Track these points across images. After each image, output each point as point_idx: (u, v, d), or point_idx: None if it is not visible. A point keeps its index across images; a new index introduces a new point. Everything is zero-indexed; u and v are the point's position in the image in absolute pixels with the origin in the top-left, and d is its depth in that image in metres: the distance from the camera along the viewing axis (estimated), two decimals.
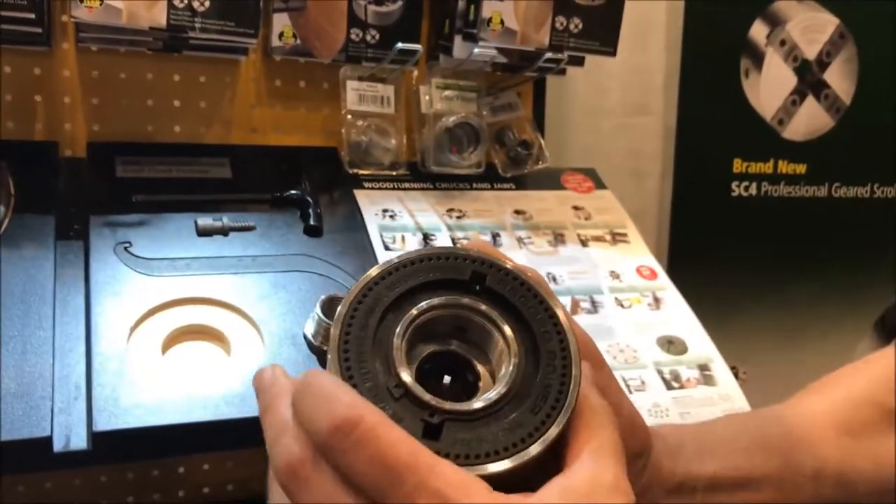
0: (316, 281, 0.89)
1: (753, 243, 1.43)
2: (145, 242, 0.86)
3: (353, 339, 0.36)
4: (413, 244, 0.99)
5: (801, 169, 1.45)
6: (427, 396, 0.35)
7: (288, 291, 0.86)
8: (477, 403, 0.35)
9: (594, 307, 0.99)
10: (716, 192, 1.40)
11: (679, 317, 1.02)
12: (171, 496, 1.05)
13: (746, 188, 1.41)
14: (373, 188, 1.04)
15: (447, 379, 0.39)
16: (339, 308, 0.37)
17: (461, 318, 0.39)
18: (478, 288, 0.39)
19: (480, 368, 0.39)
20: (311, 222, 0.94)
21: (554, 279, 1.00)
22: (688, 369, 0.95)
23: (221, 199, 0.94)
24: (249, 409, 0.74)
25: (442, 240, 1.01)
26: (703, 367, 0.96)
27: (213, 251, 0.88)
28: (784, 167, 1.44)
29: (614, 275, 1.03)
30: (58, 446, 0.68)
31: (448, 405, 0.35)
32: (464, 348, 0.39)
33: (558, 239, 1.07)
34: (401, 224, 1.00)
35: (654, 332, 0.98)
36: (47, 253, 0.82)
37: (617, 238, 1.10)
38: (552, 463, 0.35)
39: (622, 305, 1.01)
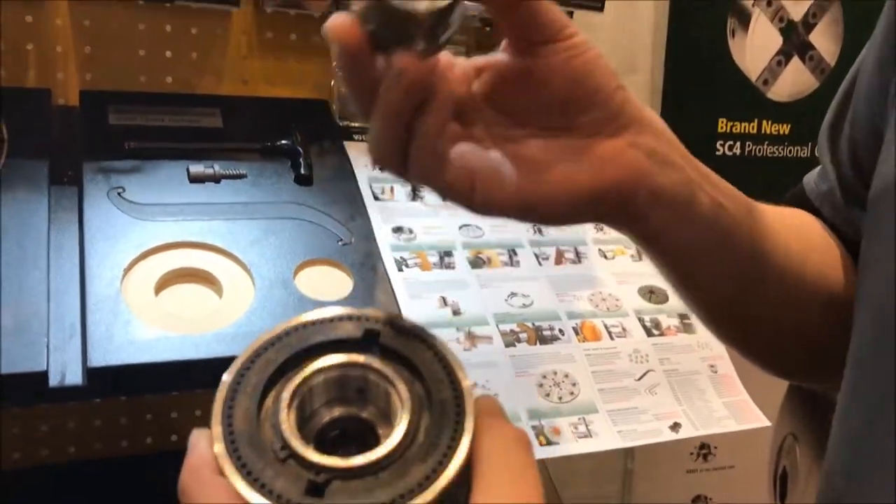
0: (306, 227, 0.90)
1: None
2: (138, 188, 0.88)
3: (240, 403, 0.38)
4: (402, 195, 1.01)
5: (784, 129, 1.46)
6: (311, 455, 0.36)
7: (278, 237, 0.88)
8: (360, 460, 0.36)
9: (578, 258, 1.01)
10: (701, 151, 1.37)
11: None
12: (164, 440, 1.07)
13: (731, 147, 1.43)
14: (363, 140, 1.05)
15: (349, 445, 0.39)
16: (223, 376, 0.39)
17: (357, 379, 0.40)
18: (375, 345, 0.40)
19: (382, 430, 0.40)
20: (302, 171, 0.95)
21: (540, 231, 1.02)
22: (668, 318, 0.98)
23: (213, 148, 0.95)
24: (239, 349, 0.75)
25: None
26: (683, 317, 0.98)
27: (204, 197, 0.90)
28: (768, 127, 1.45)
29: (598, 227, 1.05)
30: (53, 381, 0.70)
31: (333, 462, 0.36)
32: (365, 410, 0.40)
33: None
34: (390, 175, 1.02)
35: (636, 283, 1.00)
36: (41, 198, 0.83)
37: None
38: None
39: (605, 256, 1.03)
